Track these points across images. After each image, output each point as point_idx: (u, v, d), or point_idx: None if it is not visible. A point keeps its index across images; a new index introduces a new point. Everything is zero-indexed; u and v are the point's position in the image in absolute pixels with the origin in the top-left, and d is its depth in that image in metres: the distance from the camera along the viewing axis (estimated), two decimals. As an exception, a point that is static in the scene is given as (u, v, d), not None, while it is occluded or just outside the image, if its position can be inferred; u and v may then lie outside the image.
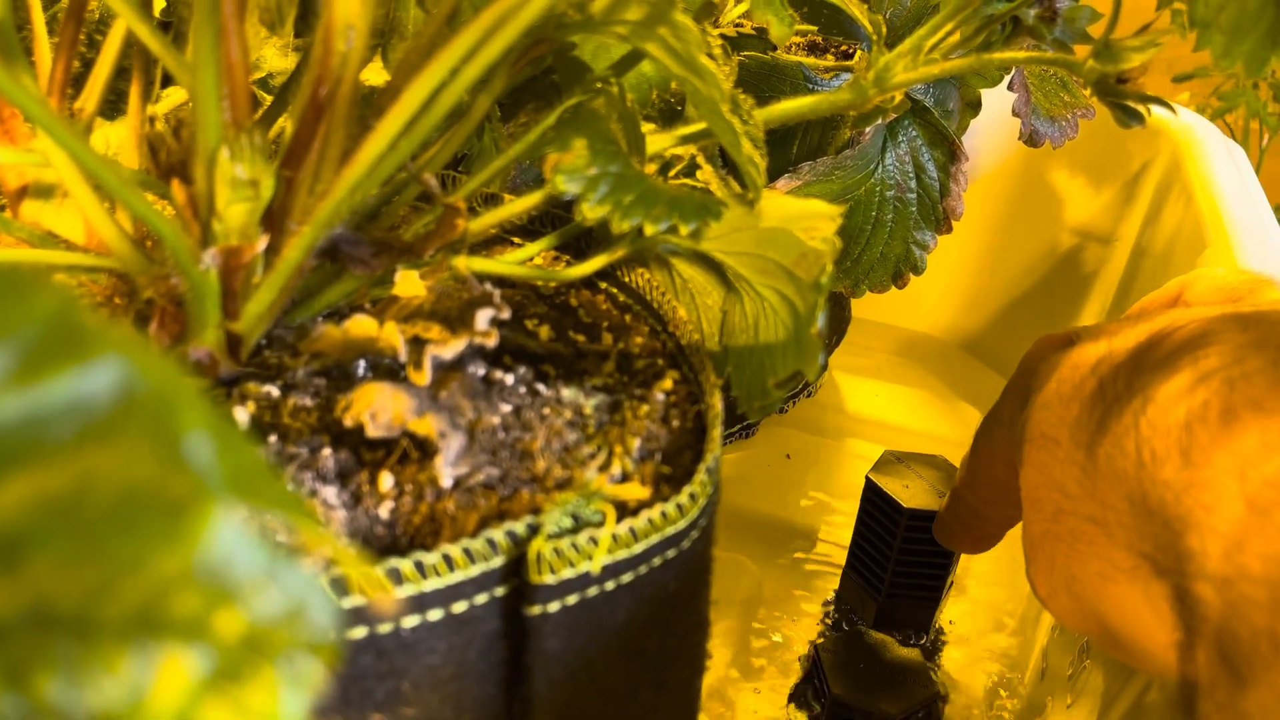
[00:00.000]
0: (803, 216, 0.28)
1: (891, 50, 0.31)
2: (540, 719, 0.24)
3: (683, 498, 0.24)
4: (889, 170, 0.48)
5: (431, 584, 0.21)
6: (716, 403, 0.27)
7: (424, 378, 0.25)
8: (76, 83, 0.29)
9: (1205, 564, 0.23)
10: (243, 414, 0.25)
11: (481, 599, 0.22)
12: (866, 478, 0.46)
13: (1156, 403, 0.26)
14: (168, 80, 0.32)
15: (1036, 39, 0.30)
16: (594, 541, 0.23)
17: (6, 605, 0.10)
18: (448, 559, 0.22)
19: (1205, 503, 0.23)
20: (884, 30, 0.35)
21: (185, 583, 0.11)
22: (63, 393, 0.11)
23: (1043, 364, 0.32)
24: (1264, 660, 0.21)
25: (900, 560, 0.46)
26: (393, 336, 0.25)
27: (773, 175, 0.46)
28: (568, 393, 0.27)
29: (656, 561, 0.24)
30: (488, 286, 0.26)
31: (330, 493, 0.24)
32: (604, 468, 0.25)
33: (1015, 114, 0.49)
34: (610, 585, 0.23)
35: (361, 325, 0.25)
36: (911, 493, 0.45)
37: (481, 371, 0.27)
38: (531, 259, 0.33)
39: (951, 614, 0.51)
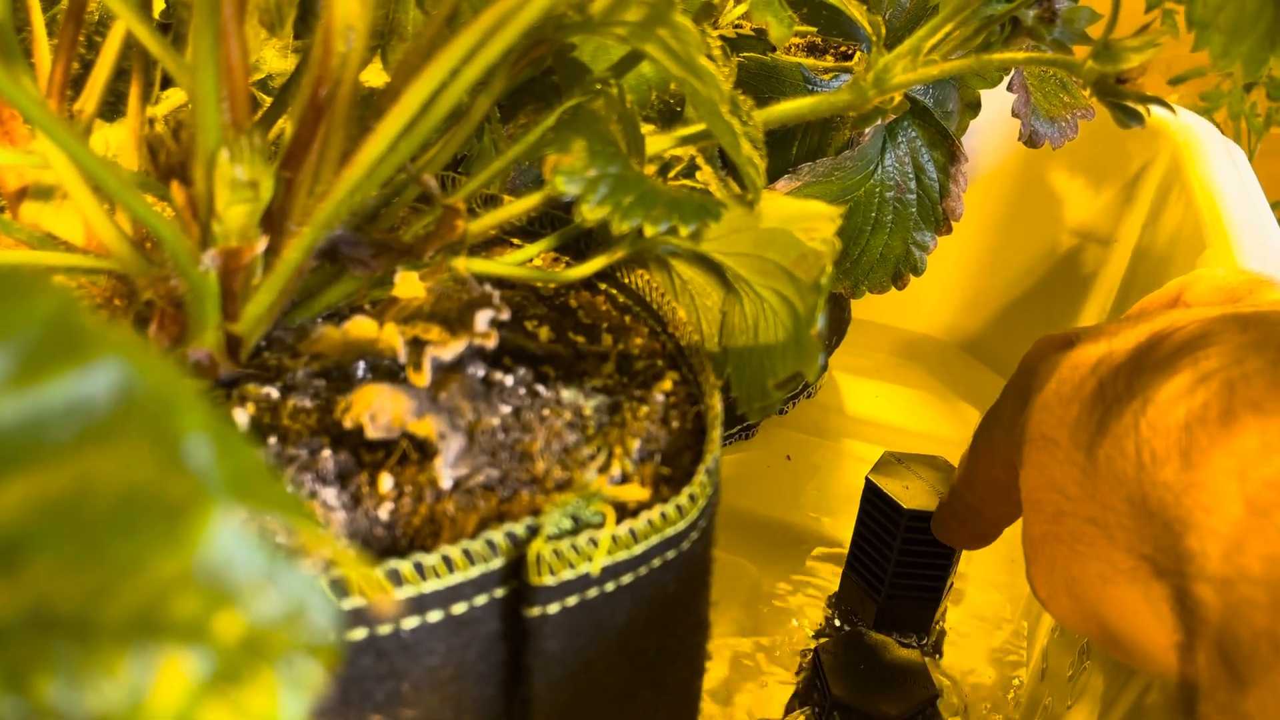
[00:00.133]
0: (802, 217, 0.28)
1: (891, 51, 0.31)
2: (540, 720, 0.24)
3: (682, 499, 0.24)
4: (888, 171, 0.48)
5: (431, 585, 0.21)
6: (716, 404, 0.27)
7: (424, 379, 0.25)
8: (76, 84, 0.29)
9: (1205, 565, 0.23)
10: (242, 415, 0.25)
11: (481, 600, 0.22)
12: (866, 479, 0.46)
13: (1156, 404, 0.26)
14: (167, 82, 0.32)
15: (1036, 40, 0.30)
16: (594, 543, 0.23)
17: (6, 607, 0.10)
18: (447, 560, 0.22)
19: (1205, 504, 0.23)
20: (883, 31, 0.35)
21: (185, 585, 0.11)
22: (62, 394, 0.11)
23: (1042, 364, 0.32)
24: (1264, 661, 0.21)
25: (900, 561, 0.46)
26: (392, 338, 0.25)
27: (772, 176, 0.46)
28: (567, 394, 0.27)
29: (656, 563, 0.24)
30: (487, 288, 0.26)
31: (330, 494, 0.23)
32: (604, 469, 0.25)
33: (1015, 115, 0.49)
34: (610, 586, 0.23)
35: (361, 326, 0.25)
36: (911, 494, 0.45)
37: (481, 373, 0.27)
38: (531, 260, 0.33)
39: (952, 615, 0.51)
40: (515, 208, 0.30)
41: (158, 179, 0.27)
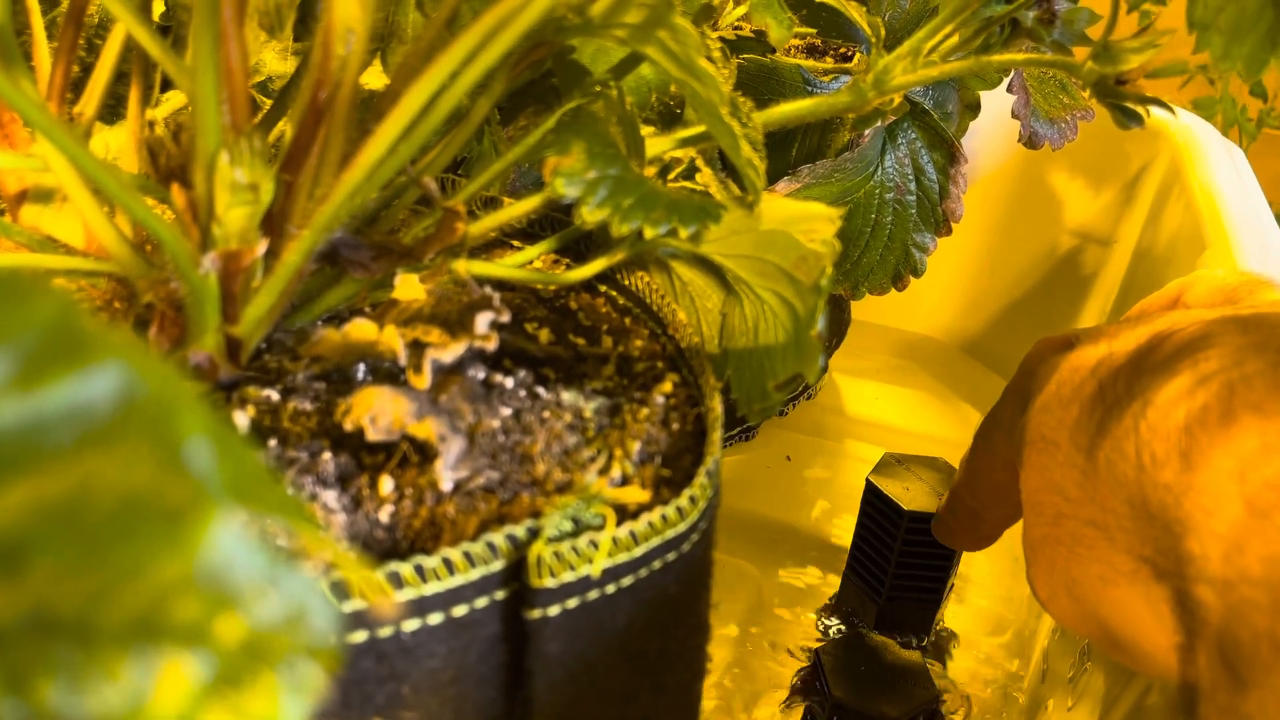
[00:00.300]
0: (802, 219, 0.28)
1: (890, 53, 0.31)
2: (541, 723, 0.24)
3: (683, 501, 0.24)
4: (888, 173, 0.48)
5: (432, 588, 0.21)
6: (716, 405, 0.27)
7: (424, 381, 0.25)
8: (76, 87, 0.29)
9: (1206, 567, 0.23)
10: (242, 418, 0.25)
11: (482, 602, 0.22)
12: (867, 480, 0.46)
13: (1156, 406, 0.26)
14: (167, 84, 0.32)
15: (1035, 41, 0.30)
16: (594, 545, 0.23)
17: (7, 610, 0.10)
18: (448, 563, 0.22)
19: (1205, 506, 0.23)
20: (883, 33, 0.35)
21: (185, 588, 0.11)
22: (62, 398, 0.11)
23: (1042, 366, 0.32)
24: (1265, 663, 0.21)
25: (901, 563, 0.46)
26: (392, 340, 0.25)
27: (772, 178, 0.46)
28: (567, 396, 0.27)
29: (657, 564, 0.24)
30: (487, 290, 0.26)
31: (330, 497, 0.23)
32: (604, 471, 0.25)
33: (1014, 116, 0.49)
34: (610, 588, 0.23)
35: (361, 329, 0.25)
36: (912, 495, 0.45)
37: (481, 375, 0.27)
38: (531, 262, 0.33)
39: (952, 616, 0.50)
40: (515, 210, 0.30)
41: (158, 182, 0.27)
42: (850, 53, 0.52)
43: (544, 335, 0.30)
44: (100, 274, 0.27)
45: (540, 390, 0.27)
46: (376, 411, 0.24)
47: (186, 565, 0.11)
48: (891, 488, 0.45)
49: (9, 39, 0.24)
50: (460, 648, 0.22)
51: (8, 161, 0.28)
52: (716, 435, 0.26)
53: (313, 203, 0.26)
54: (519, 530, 0.23)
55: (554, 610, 0.23)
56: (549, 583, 0.22)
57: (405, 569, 0.21)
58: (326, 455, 0.24)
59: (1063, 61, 0.29)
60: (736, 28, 0.48)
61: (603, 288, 0.33)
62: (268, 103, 0.31)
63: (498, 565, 0.22)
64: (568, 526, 0.23)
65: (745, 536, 0.54)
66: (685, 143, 0.31)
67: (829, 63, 0.50)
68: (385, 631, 0.21)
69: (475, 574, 0.22)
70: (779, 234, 0.28)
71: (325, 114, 0.25)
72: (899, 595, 0.47)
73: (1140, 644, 0.27)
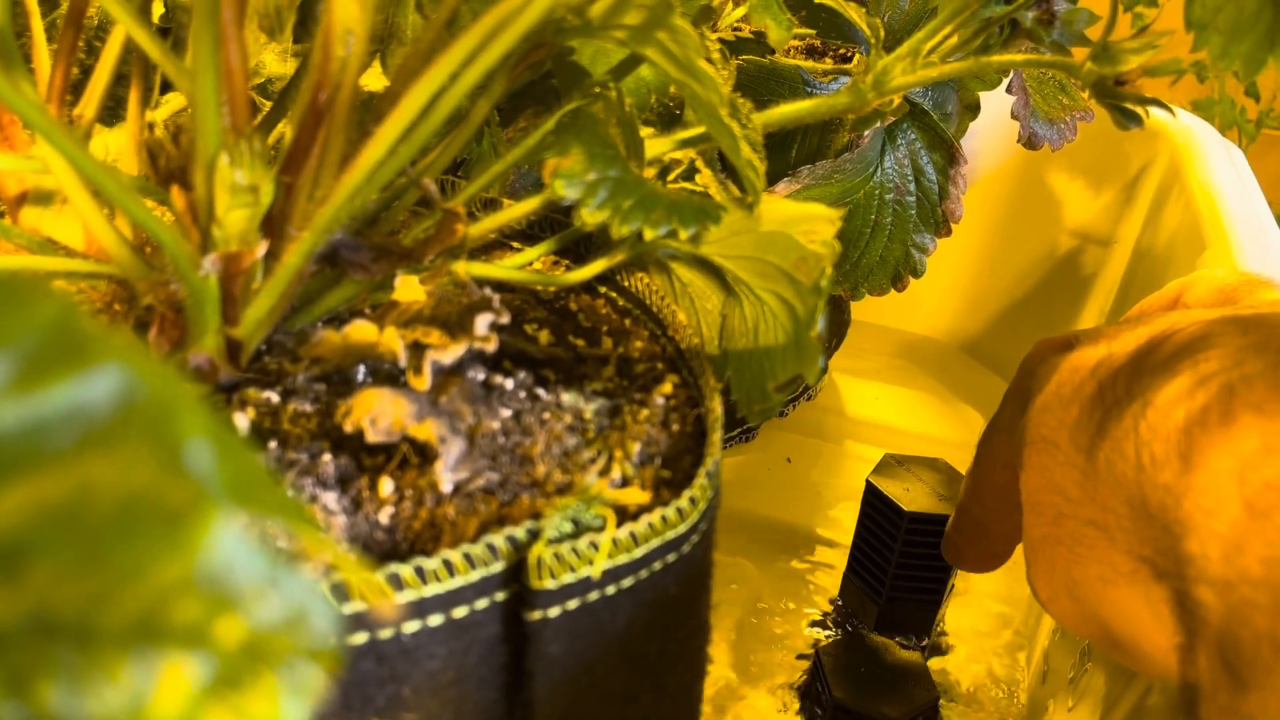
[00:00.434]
0: (802, 220, 0.28)
1: (890, 54, 0.32)
2: (541, 724, 0.24)
3: (683, 502, 0.24)
4: (888, 173, 0.48)
5: (432, 589, 0.21)
6: (716, 406, 0.27)
7: (424, 383, 0.25)
8: (75, 89, 0.29)
9: (1206, 567, 0.23)
10: (243, 420, 0.25)
11: (482, 604, 0.22)
12: (867, 481, 0.46)
13: (1156, 406, 0.26)
14: (167, 86, 0.32)
15: (1035, 42, 0.30)
16: (594, 546, 0.23)
17: (7, 613, 0.10)
18: (448, 564, 0.22)
19: (1205, 506, 0.23)
20: (882, 34, 0.35)
21: (186, 590, 0.11)
22: (62, 400, 0.11)
23: (1042, 366, 0.32)
24: (1265, 664, 0.21)
25: (901, 563, 0.46)
26: (392, 342, 0.25)
27: (772, 179, 0.46)
28: (567, 397, 0.27)
29: (657, 566, 0.24)
30: (487, 291, 0.26)
31: (330, 498, 0.23)
32: (604, 472, 0.25)
33: (1014, 117, 0.49)
34: (611, 590, 0.23)
35: (361, 330, 0.25)
36: (912, 496, 0.45)
37: (481, 376, 0.27)
38: (531, 264, 0.33)
39: (952, 617, 0.50)
40: (515, 211, 0.30)
41: (158, 183, 0.27)
42: (849, 54, 0.52)
43: (544, 337, 0.30)
44: (100, 276, 0.27)
45: (540, 392, 0.27)
46: (376, 413, 0.24)
47: (187, 567, 0.11)
48: (892, 489, 0.45)
49: (9, 41, 0.24)
50: (460, 649, 0.22)
51: (8, 163, 0.28)
52: (716, 436, 0.26)
53: (313, 204, 0.26)
54: (519, 532, 0.23)
55: (554, 611, 0.23)
56: (549, 584, 0.22)
57: (405, 571, 0.21)
58: (326, 457, 0.24)
59: (1062, 62, 0.29)
60: (736, 29, 0.48)
61: (603, 289, 0.33)
62: (268, 105, 0.31)
63: (498, 567, 0.22)
64: (568, 528, 0.23)
65: (745, 537, 0.54)
66: (685, 144, 0.31)
67: (828, 64, 0.50)
68: (385, 633, 0.21)
69: (475, 575, 0.22)
70: (779, 235, 0.28)
71: (325, 116, 0.25)
72: (899, 596, 0.47)
73: (1140, 644, 0.27)
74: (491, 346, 0.25)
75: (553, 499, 0.24)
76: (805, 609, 0.50)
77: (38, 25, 0.29)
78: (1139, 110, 0.28)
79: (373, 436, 0.24)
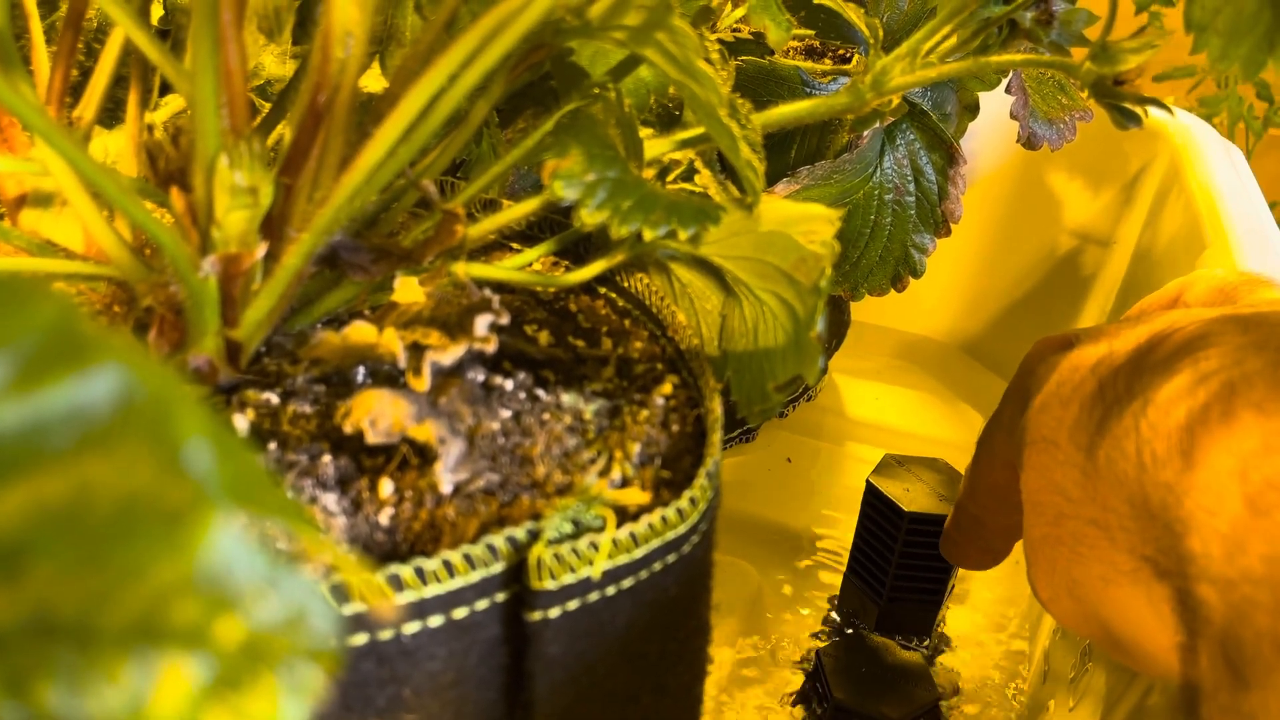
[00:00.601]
0: (801, 220, 0.28)
1: (889, 54, 0.32)
2: (542, 725, 0.24)
3: (683, 502, 0.24)
4: (887, 174, 0.48)
5: (432, 590, 0.21)
6: (716, 407, 0.27)
7: (423, 384, 0.25)
8: (75, 91, 0.29)
9: (1207, 566, 0.23)
10: (242, 421, 0.25)
11: (482, 605, 0.22)
12: (867, 481, 0.46)
13: (1157, 405, 0.26)
14: (166, 88, 0.32)
15: (1033, 42, 0.30)
16: (594, 547, 0.23)
17: (7, 613, 0.10)
18: (448, 565, 0.22)
19: (1207, 505, 0.23)
20: (881, 34, 0.35)
21: (185, 590, 0.11)
22: (62, 401, 0.11)
23: (1041, 365, 0.32)
24: (1267, 663, 0.21)
25: (901, 564, 0.46)
26: (392, 343, 0.25)
27: (771, 179, 0.46)
28: (567, 398, 0.27)
29: (657, 566, 0.24)
30: (487, 292, 0.26)
31: (330, 499, 0.23)
32: (604, 473, 0.25)
33: (1013, 117, 0.49)
34: (611, 590, 0.23)
35: (361, 332, 0.25)
36: (912, 496, 0.45)
37: (481, 377, 0.27)
38: (530, 265, 0.33)
39: (953, 617, 0.50)
40: (514, 212, 0.30)
41: (157, 185, 0.27)
42: (848, 54, 0.52)
43: (543, 337, 0.30)
44: (100, 278, 0.27)
45: (540, 392, 0.27)
46: (376, 414, 0.24)
47: (186, 567, 0.11)
48: (892, 489, 0.45)
49: (8, 43, 0.24)
50: (461, 650, 0.22)
51: (7, 166, 0.28)
52: (716, 437, 0.26)
53: (312, 206, 0.26)
54: (519, 532, 0.23)
55: (554, 612, 0.23)
56: (549, 585, 0.22)
57: (405, 571, 0.21)
58: (326, 458, 0.24)
59: (1061, 62, 0.29)
60: (735, 30, 0.48)
61: (602, 290, 0.33)
62: (267, 106, 0.31)
63: (498, 567, 0.22)
64: (568, 528, 0.23)
65: (745, 538, 0.54)
66: (684, 144, 0.31)
67: (827, 64, 0.50)
68: (385, 634, 0.21)
69: (475, 576, 0.22)
70: (778, 235, 0.28)
71: (324, 117, 0.25)
72: (900, 596, 0.47)
73: (1142, 644, 0.27)
74: (491, 347, 0.25)
75: (553, 500, 0.24)
76: (806, 609, 0.50)
77: (37, 27, 0.29)
78: (1138, 110, 0.28)
79: (372, 438, 0.24)
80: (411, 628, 0.22)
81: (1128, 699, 0.35)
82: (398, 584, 0.21)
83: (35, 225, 0.29)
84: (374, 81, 0.32)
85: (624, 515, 0.24)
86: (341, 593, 0.21)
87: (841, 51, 0.53)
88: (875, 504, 0.46)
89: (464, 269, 0.27)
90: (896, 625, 0.48)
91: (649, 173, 0.30)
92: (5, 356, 0.11)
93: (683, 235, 0.26)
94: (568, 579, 0.22)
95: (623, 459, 0.26)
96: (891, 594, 0.47)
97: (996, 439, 0.35)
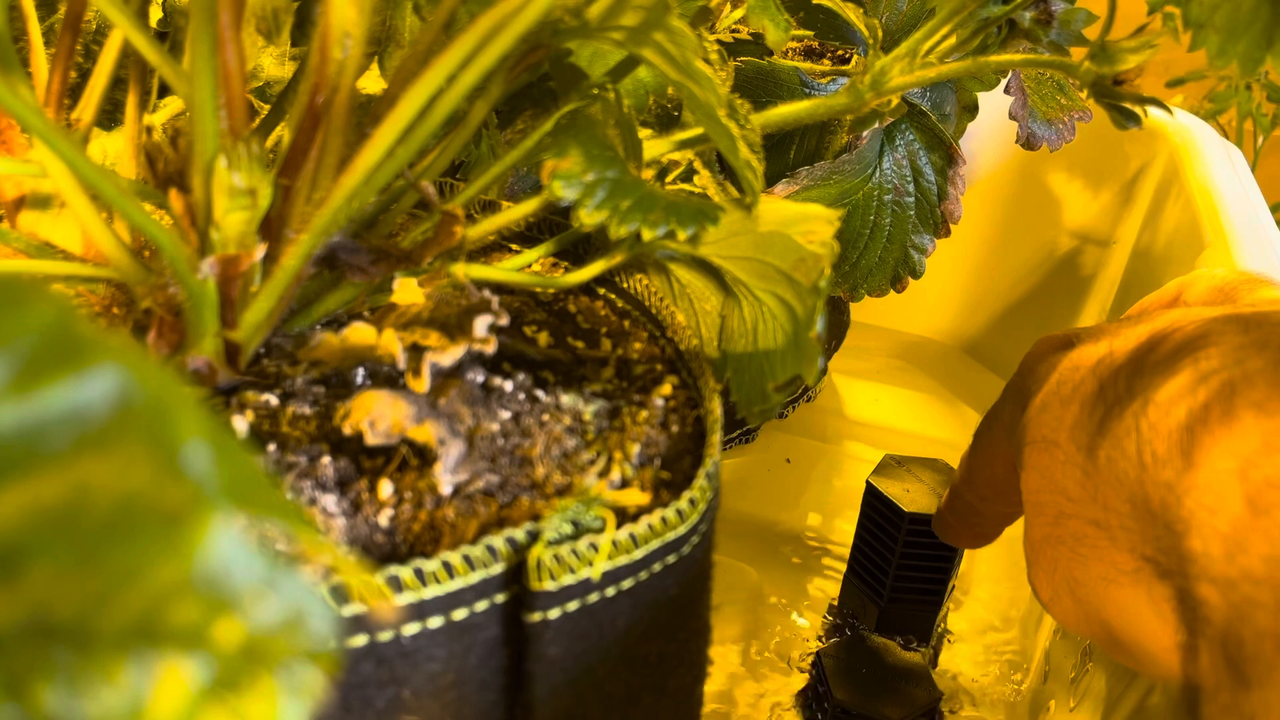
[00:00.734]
0: (800, 221, 0.28)
1: (888, 54, 0.32)
2: (542, 726, 0.24)
3: (682, 503, 0.24)
4: (887, 174, 0.48)
5: (431, 591, 0.21)
6: (716, 408, 0.27)
7: (423, 385, 0.25)
8: (73, 93, 0.29)
9: (1208, 566, 0.23)
10: (241, 423, 0.25)
11: (482, 606, 0.22)
12: (867, 482, 0.46)
13: (1157, 404, 0.26)
14: (165, 90, 0.32)
15: (1032, 42, 0.30)
16: (594, 547, 0.23)
17: (5, 615, 0.10)
18: (448, 566, 0.22)
19: (1207, 504, 0.23)
20: (880, 34, 0.35)
21: (184, 592, 0.11)
22: (60, 402, 0.11)
23: (1041, 365, 0.32)
24: (1268, 662, 0.21)
25: (901, 564, 0.46)
26: (391, 344, 0.25)
27: (770, 180, 0.46)
28: (567, 399, 0.27)
29: (657, 567, 0.24)
30: (486, 293, 0.26)
31: (330, 501, 0.23)
32: (603, 474, 0.25)
33: (1012, 117, 0.49)
34: (611, 591, 0.23)
35: (360, 333, 0.25)
36: (912, 497, 0.45)
37: (480, 378, 0.27)
38: (530, 265, 0.33)
39: (953, 617, 0.50)
40: (513, 213, 0.30)
41: (156, 187, 0.27)
42: (848, 55, 0.52)
43: (543, 338, 0.30)
44: (98, 279, 0.27)
45: (539, 393, 0.27)
46: (375, 415, 0.24)
47: (185, 569, 0.11)
48: (892, 489, 0.45)
49: (6, 45, 0.24)
50: (460, 651, 0.22)
51: (6, 167, 0.28)
52: (716, 437, 0.26)
53: (311, 207, 0.26)
54: (519, 533, 0.22)
55: (554, 613, 0.23)
56: (549, 586, 0.22)
57: (405, 573, 0.21)
58: (326, 459, 0.24)
59: (1060, 62, 0.29)
60: (734, 30, 0.48)
61: (601, 291, 0.33)
62: (265, 108, 0.31)
63: (497, 568, 0.22)
64: (567, 529, 0.23)
65: (745, 538, 0.54)
66: (683, 145, 0.31)
67: (826, 65, 0.50)
68: (385, 635, 0.21)
69: (475, 577, 0.22)
70: (778, 236, 0.28)
71: (323, 118, 0.25)
72: (900, 597, 0.47)
73: (1143, 644, 0.27)
74: (490, 348, 0.25)
75: (552, 501, 0.24)
76: (806, 610, 0.50)
77: (35, 29, 0.29)
78: (1137, 110, 0.28)
79: (372, 439, 0.24)
80: (411, 629, 0.22)
81: (1128, 699, 0.35)
82: (397, 585, 0.21)
83: (34, 227, 0.29)
84: (372, 83, 0.32)
85: (623, 516, 0.24)
86: (341, 594, 0.21)
87: (840, 52, 0.53)
88: (875, 504, 0.46)
89: (463, 270, 0.27)
90: (897, 626, 0.48)
91: (648, 173, 0.30)
92: (3, 358, 0.11)
93: (681, 235, 0.26)
94: (567, 580, 0.22)
95: (622, 460, 0.26)
96: (892, 594, 0.47)
97: (997, 435, 0.35)
